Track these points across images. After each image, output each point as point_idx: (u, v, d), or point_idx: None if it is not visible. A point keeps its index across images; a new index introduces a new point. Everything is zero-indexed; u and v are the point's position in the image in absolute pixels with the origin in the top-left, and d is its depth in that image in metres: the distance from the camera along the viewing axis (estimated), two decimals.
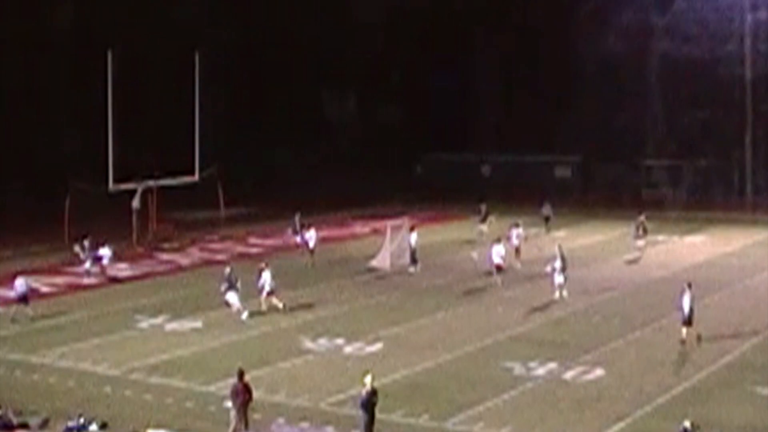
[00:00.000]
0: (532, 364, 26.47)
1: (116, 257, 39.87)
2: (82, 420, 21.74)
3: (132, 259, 43.74)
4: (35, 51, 59.95)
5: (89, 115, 51.16)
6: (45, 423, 22.00)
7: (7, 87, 57.36)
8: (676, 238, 48.77)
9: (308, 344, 28.89)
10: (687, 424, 18.89)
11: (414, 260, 40.64)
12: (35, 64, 59.93)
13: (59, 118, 60.02)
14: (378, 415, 21.67)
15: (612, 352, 27.96)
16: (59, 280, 38.46)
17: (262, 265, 33.98)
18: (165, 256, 44.63)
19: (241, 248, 47.16)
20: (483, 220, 48.04)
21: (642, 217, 44.13)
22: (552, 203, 51.63)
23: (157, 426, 21.53)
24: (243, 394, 20.78)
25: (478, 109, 71.59)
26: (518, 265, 39.81)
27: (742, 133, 63.08)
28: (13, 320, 31.93)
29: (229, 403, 21.19)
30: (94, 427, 21.63)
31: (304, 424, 22.00)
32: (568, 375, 25.68)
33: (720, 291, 36.19)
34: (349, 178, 67.29)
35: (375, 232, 49.62)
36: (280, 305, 32.85)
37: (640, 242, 43.39)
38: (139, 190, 47.47)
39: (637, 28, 63.73)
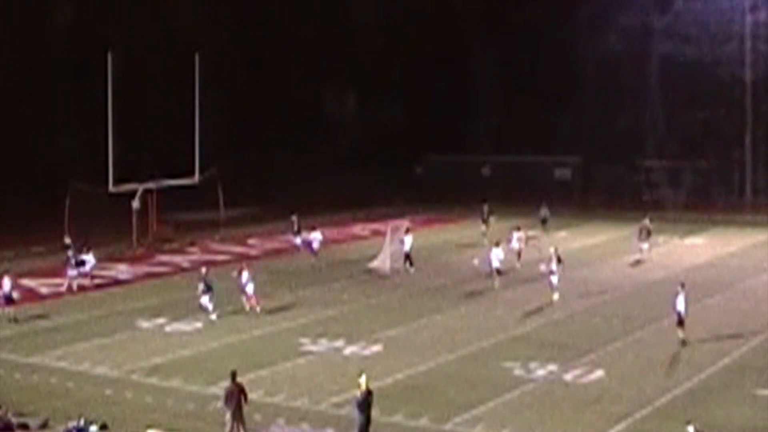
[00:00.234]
0: (532, 365, 26.47)
1: (98, 265, 38.95)
2: (82, 421, 21.73)
3: (132, 261, 43.77)
4: (35, 51, 59.94)
5: (89, 115, 51.14)
6: (45, 424, 22.00)
7: (7, 87, 57.32)
8: (676, 239, 48.78)
9: (308, 345, 28.89)
10: (690, 429, 18.83)
11: (410, 263, 40.63)
12: (35, 64, 59.92)
13: (59, 118, 59.98)
14: (378, 417, 21.70)
15: (612, 353, 27.97)
16: (59, 281, 38.39)
17: (243, 265, 34.21)
18: (165, 257, 44.62)
19: (241, 249, 47.18)
20: (485, 222, 48.03)
21: (646, 220, 44.09)
22: (551, 204, 51.65)
23: (157, 427, 21.52)
24: (237, 396, 20.76)
25: (478, 110, 71.55)
26: (518, 266, 39.77)
27: (742, 133, 63.08)
28: (14, 320, 31.99)
29: (220, 403, 21.21)
30: (94, 428, 21.62)
31: (305, 425, 21.99)
32: (568, 376, 25.69)
33: (720, 292, 36.21)
34: (349, 178, 67.28)
35: (375, 233, 49.62)
36: (258, 309, 32.93)
37: (644, 245, 43.33)
38: (139, 191, 47.47)
39: (637, 29, 63.76)
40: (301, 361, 27.42)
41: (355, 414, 20.39)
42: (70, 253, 37.99)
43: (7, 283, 32.61)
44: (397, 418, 22.48)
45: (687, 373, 25.84)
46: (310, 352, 28.22)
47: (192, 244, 48.27)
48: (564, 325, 31.52)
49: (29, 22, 59.96)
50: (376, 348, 28.57)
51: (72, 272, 37.18)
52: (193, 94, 49.67)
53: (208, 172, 50.09)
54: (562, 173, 69.10)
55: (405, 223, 43.83)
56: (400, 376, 25.77)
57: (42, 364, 27.20)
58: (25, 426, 21.82)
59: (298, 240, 45.40)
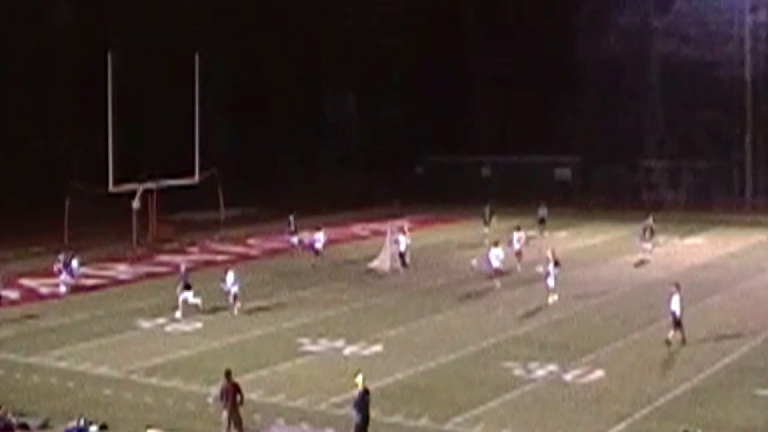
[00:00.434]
0: (532, 366, 26.47)
1: (82, 271, 38.40)
2: (82, 421, 21.74)
3: (132, 261, 43.78)
4: (35, 51, 59.96)
5: (89, 115, 51.17)
6: (45, 424, 22.00)
7: (7, 87, 57.34)
8: (676, 240, 48.77)
9: (308, 345, 28.90)
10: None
11: (404, 263, 40.62)
12: (35, 64, 59.93)
13: (59, 118, 60.01)
14: (378, 417, 21.71)
15: (612, 354, 27.96)
16: (59, 281, 38.36)
17: (227, 265, 34.26)
18: (165, 257, 44.63)
19: (241, 249, 47.20)
20: (487, 222, 47.99)
21: (649, 220, 44.03)
22: (549, 205, 51.60)
23: (157, 427, 21.52)
24: (233, 394, 20.76)
25: (478, 110, 71.58)
26: (519, 268, 39.72)
27: (742, 134, 63.09)
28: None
29: (210, 399, 21.19)
30: (94, 428, 21.63)
31: (304, 425, 21.99)
32: (568, 376, 25.68)
33: (720, 292, 36.21)
34: (349, 178, 67.30)
35: (375, 233, 49.63)
36: (237, 308, 32.99)
37: (647, 245, 43.27)
38: (139, 191, 47.49)
39: (637, 30, 63.78)
40: (301, 361, 27.42)
41: (353, 413, 20.38)
42: (61, 257, 37.76)
43: None
44: (397, 418, 22.48)
45: (687, 373, 25.83)
46: (310, 352, 28.22)
47: (192, 244, 48.29)
48: (564, 325, 31.52)
49: (29, 22, 59.99)
50: (376, 348, 28.57)
51: (63, 276, 36.98)
52: (193, 94, 49.69)
53: (208, 172, 50.12)
54: (562, 173, 69.11)
55: (405, 223, 43.83)
56: (400, 376, 25.77)
57: (42, 364, 27.21)
58: (25, 426, 21.82)
59: (294, 239, 45.44)
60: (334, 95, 76.16)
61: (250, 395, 23.59)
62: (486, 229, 47.22)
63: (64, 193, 46.14)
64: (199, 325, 31.56)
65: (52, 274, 37.67)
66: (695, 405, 23.42)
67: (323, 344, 28.99)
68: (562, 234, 50.40)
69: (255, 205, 58.82)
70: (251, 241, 49.40)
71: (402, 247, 40.97)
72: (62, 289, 36.78)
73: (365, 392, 20.22)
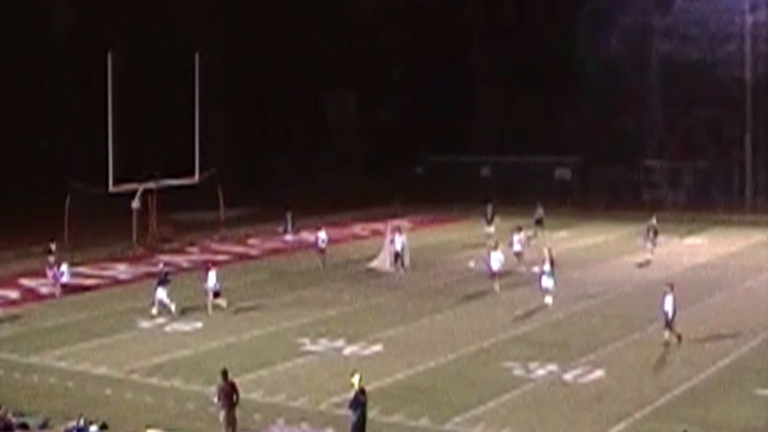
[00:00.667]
0: (532, 365, 26.47)
1: (72, 275, 37.85)
2: (82, 421, 21.73)
3: (132, 260, 43.78)
4: (36, 51, 59.99)
5: (89, 115, 51.19)
6: (45, 424, 21.99)
7: (7, 87, 57.37)
8: (676, 239, 48.75)
9: (308, 345, 28.89)
10: None
11: (402, 263, 40.57)
12: (36, 65, 59.97)
13: (59, 118, 60.04)
14: (378, 417, 21.71)
15: (612, 353, 27.96)
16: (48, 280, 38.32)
17: (209, 264, 34.31)
18: (165, 257, 44.62)
19: (241, 249, 47.21)
20: (489, 223, 47.92)
21: (653, 220, 43.98)
22: (550, 205, 51.56)
23: (157, 427, 21.53)
24: (230, 394, 20.76)
25: (478, 110, 71.59)
26: (522, 269, 39.47)
27: (742, 134, 63.09)
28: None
29: (215, 399, 21.21)
30: (94, 428, 21.62)
31: (304, 425, 21.99)
32: (568, 376, 25.68)
33: (720, 292, 36.22)
34: (349, 178, 67.29)
35: (375, 233, 49.63)
36: (224, 304, 33.06)
37: (651, 245, 43.20)
38: (139, 191, 47.50)
39: (637, 29, 63.78)
40: (301, 361, 27.42)
41: (348, 413, 20.31)
42: (51, 259, 37.56)
43: None
44: (397, 418, 22.47)
45: (687, 373, 25.83)
46: (310, 352, 28.22)
47: (192, 244, 48.30)
48: (564, 325, 31.51)
49: (30, 22, 60.03)
50: (376, 348, 28.57)
51: (51, 273, 36.88)
52: (193, 94, 49.70)
53: (208, 172, 50.13)
54: (562, 173, 69.12)
55: (400, 223, 43.82)
56: (400, 376, 25.77)
57: (42, 364, 27.21)
58: (25, 426, 21.81)
59: (289, 237, 45.47)
60: (334, 95, 76.18)
61: (250, 395, 23.63)
62: (489, 229, 47.11)
63: (64, 193, 46.14)
64: (199, 325, 31.56)
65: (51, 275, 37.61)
66: (695, 405, 23.42)
67: (323, 344, 28.98)
68: (562, 234, 50.39)
69: (255, 205, 58.82)
70: (251, 241, 49.40)
71: (398, 247, 40.90)
72: (45, 288, 36.56)
73: (361, 392, 20.13)
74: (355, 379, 20.19)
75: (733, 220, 55.54)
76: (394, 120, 72.31)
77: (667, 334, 28.18)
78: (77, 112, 57.61)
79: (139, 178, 47.65)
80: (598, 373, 25.93)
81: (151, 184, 47.95)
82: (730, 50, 62.39)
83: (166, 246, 47.30)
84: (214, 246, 47.92)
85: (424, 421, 22.33)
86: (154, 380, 25.60)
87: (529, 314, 32.76)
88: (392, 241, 41.05)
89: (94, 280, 39.28)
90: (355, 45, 72.28)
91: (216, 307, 33.04)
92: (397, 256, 40.80)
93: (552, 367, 26.35)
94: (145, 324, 31.80)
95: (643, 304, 34.05)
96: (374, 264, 40.99)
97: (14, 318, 32.74)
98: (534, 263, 38.49)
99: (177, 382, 25.33)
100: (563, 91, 65.37)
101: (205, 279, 33.47)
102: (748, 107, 62.70)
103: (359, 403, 19.98)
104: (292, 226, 45.55)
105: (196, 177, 50.07)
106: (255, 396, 23.79)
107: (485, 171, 71.26)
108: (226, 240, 49.34)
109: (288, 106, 69.32)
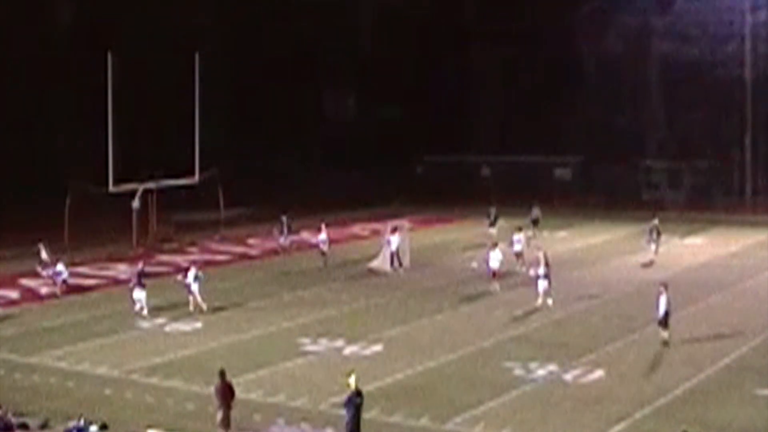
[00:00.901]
0: (532, 365, 26.47)
1: (70, 274, 37.74)
2: (82, 421, 21.73)
3: (132, 260, 43.74)
4: (36, 51, 59.96)
5: (89, 115, 51.17)
6: (45, 424, 21.99)
7: (8, 87, 57.34)
8: (676, 239, 48.72)
9: (308, 345, 28.89)
10: None
11: (396, 263, 40.54)
12: (36, 65, 59.93)
13: (59, 118, 60.02)
14: (378, 417, 21.72)
15: (612, 353, 27.96)
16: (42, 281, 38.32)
17: (188, 264, 34.38)
18: (165, 257, 44.63)
19: (241, 249, 47.19)
20: (492, 224, 47.87)
21: (656, 221, 43.92)
22: (548, 205, 51.55)
23: (157, 427, 21.52)
24: (227, 394, 20.77)
25: (478, 110, 71.62)
26: (523, 269, 39.32)
27: (742, 134, 63.14)
28: None
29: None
30: (94, 428, 21.62)
31: (304, 425, 21.99)
32: (568, 376, 25.68)
33: (720, 292, 36.22)
34: (349, 178, 67.28)
35: (375, 233, 49.60)
36: (204, 306, 33.08)
37: (654, 245, 43.14)
38: (139, 191, 47.48)
39: (637, 29, 63.85)
40: (301, 361, 27.42)
41: (344, 413, 20.25)
42: (42, 259, 37.42)
43: None
44: (397, 418, 22.47)
45: (687, 373, 25.83)
46: (310, 352, 28.21)
47: (192, 244, 48.29)
48: (564, 325, 31.51)
49: (30, 22, 60.01)
50: (376, 348, 28.56)
51: (44, 273, 36.69)
52: (193, 94, 49.69)
53: (208, 172, 50.11)
54: (562, 173, 69.12)
55: (397, 223, 43.79)
56: (400, 376, 25.77)
57: (42, 364, 27.20)
58: (25, 426, 21.81)
59: (282, 239, 45.48)
60: (334, 95, 76.18)
61: (250, 395, 23.66)
62: (491, 230, 47.08)
63: (64, 192, 46.12)
64: (199, 325, 31.56)
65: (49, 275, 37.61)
66: (695, 405, 23.43)
67: (323, 344, 28.98)
68: (562, 234, 50.39)
69: (255, 205, 58.80)
70: (251, 241, 49.38)
71: (393, 247, 40.85)
72: (44, 289, 36.46)
73: (357, 394, 20.04)
74: (351, 380, 20.15)
75: (733, 220, 55.53)
76: (394, 120, 72.32)
77: (666, 334, 28.17)
78: (77, 112, 57.58)
79: (139, 178, 47.62)
80: (598, 373, 25.93)
81: (151, 184, 47.92)
82: (730, 50, 62.45)
83: (166, 246, 47.28)
84: (214, 246, 47.90)
85: (424, 421, 22.34)
86: (154, 380, 25.60)
87: (529, 314, 32.76)
88: (389, 241, 41.04)
89: (94, 280, 39.27)
90: (356, 45, 72.28)
91: (196, 305, 33.08)
92: (393, 255, 40.74)
93: (552, 367, 26.35)
94: (145, 324, 31.80)
95: (643, 304, 34.00)
96: (374, 264, 40.97)
97: (14, 318, 32.71)
98: (532, 264, 38.47)
99: (177, 382, 25.33)
100: (563, 92, 65.40)
101: (185, 276, 33.60)
102: (748, 107, 62.75)
103: (353, 403, 19.93)
104: (289, 229, 45.42)
105: (196, 177, 50.05)
106: (255, 396, 23.80)
107: (485, 171, 71.28)
108: (226, 240, 49.32)
109: (288, 106, 69.30)
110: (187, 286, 33.40)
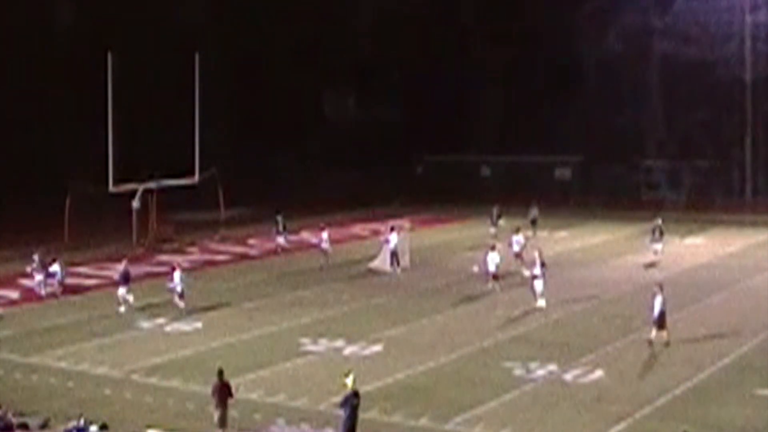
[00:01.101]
0: (532, 365, 26.47)
1: (66, 274, 37.72)
2: (82, 421, 21.73)
3: (132, 260, 43.73)
4: (36, 51, 59.94)
5: (89, 115, 51.16)
6: (45, 424, 22.00)
7: (7, 87, 57.33)
8: (676, 240, 48.70)
9: (308, 345, 28.90)
10: None
11: (397, 262, 40.52)
12: (36, 65, 59.91)
13: (59, 118, 59.99)
14: (378, 417, 21.73)
15: (612, 353, 27.96)
16: (34, 283, 38.21)
17: (174, 265, 34.45)
18: (165, 257, 44.63)
19: (241, 249, 47.20)
20: (494, 224, 47.84)
21: (659, 221, 43.89)
22: (548, 205, 51.50)
23: (157, 427, 21.53)
24: (224, 394, 20.76)
25: (478, 110, 71.58)
26: (524, 270, 39.22)
27: (742, 133, 63.12)
28: None
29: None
30: (94, 428, 21.62)
31: (304, 425, 21.99)
32: (568, 376, 25.68)
33: (720, 292, 36.22)
34: (349, 178, 67.28)
35: (375, 233, 49.62)
36: (182, 305, 33.10)
37: (657, 245, 43.08)
38: (139, 191, 47.50)
39: (637, 29, 63.79)
40: (301, 361, 27.42)
41: (341, 412, 20.23)
42: (34, 264, 37.29)
43: None
44: (397, 418, 22.48)
45: (687, 373, 25.84)
46: (310, 352, 28.22)
47: (192, 244, 48.31)
48: (564, 325, 31.52)
49: (30, 22, 59.98)
50: (376, 348, 28.57)
51: (38, 277, 36.52)
52: (193, 94, 49.70)
53: (208, 172, 50.13)
54: (562, 173, 69.13)
55: (397, 222, 43.78)
56: (400, 376, 25.77)
57: (42, 364, 27.21)
58: (25, 426, 21.82)
59: (280, 239, 45.50)
60: (334, 95, 76.16)
61: (250, 395, 23.67)
62: (493, 230, 47.06)
63: (64, 192, 46.12)
64: (199, 324, 31.57)
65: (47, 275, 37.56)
66: (695, 405, 23.43)
67: (323, 344, 28.99)
68: (562, 234, 50.39)
69: (255, 205, 58.81)
70: (251, 241, 49.39)
71: (391, 246, 40.84)
72: (41, 291, 36.28)
73: (354, 395, 19.99)
74: (349, 380, 20.13)
75: (733, 220, 55.53)
76: (393, 120, 72.30)
77: (665, 333, 28.18)
78: (77, 112, 57.56)
79: (139, 178, 47.65)
80: (598, 373, 25.94)
81: (151, 184, 47.95)
82: (730, 50, 62.43)
83: (166, 246, 47.29)
84: (214, 246, 47.91)
85: (424, 421, 22.34)
86: (154, 380, 25.60)
87: (529, 314, 32.76)
88: (387, 241, 41.04)
89: (93, 280, 39.28)
90: (355, 45, 72.26)
91: (175, 307, 33.07)
92: (393, 255, 40.72)
93: (552, 367, 26.36)
94: (145, 324, 31.81)
95: (644, 304, 33.95)
96: (375, 264, 40.99)
97: (14, 318, 32.72)
98: (532, 263, 38.44)
99: (177, 382, 25.34)
100: (563, 92, 65.35)
101: (171, 279, 33.55)
102: (748, 107, 62.73)
103: (350, 403, 19.91)
104: (284, 228, 45.41)
105: (196, 177, 50.07)
106: (255, 396, 23.80)
107: (485, 171, 71.30)
108: (226, 240, 49.33)
109: (288, 106, 69.27)
110: (171, 290, 33.35)
